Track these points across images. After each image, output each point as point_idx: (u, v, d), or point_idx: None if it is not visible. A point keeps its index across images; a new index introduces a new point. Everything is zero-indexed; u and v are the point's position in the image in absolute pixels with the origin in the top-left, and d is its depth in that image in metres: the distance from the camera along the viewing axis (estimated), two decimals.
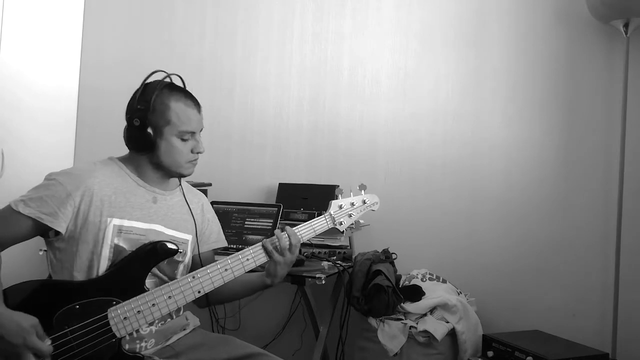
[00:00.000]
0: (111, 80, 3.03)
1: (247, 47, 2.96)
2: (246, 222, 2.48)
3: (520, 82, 2.60)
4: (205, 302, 1.72)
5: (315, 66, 2.87)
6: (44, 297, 1.45)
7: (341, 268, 2.29)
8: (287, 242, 1.58)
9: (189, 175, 1.63)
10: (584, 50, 2.53)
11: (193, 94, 1.63)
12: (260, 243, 1.60)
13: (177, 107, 1.56)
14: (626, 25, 2.33)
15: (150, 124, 1.53)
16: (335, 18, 2.85)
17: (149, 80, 1.57)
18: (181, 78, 1.64)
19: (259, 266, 1.61)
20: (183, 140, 1.57)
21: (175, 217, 1.64)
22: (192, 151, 1.60)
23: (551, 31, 2.57)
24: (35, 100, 2.79)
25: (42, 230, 1.51)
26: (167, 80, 1.59)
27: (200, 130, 1.62)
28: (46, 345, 1.37)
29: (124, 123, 1.59)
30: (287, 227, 1.61)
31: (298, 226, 1.64)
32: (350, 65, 2.83)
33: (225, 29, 2.99)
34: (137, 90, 1.57)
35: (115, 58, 3.08)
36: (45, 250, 1.61)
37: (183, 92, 1.60)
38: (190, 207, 1.68)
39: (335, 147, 2.82)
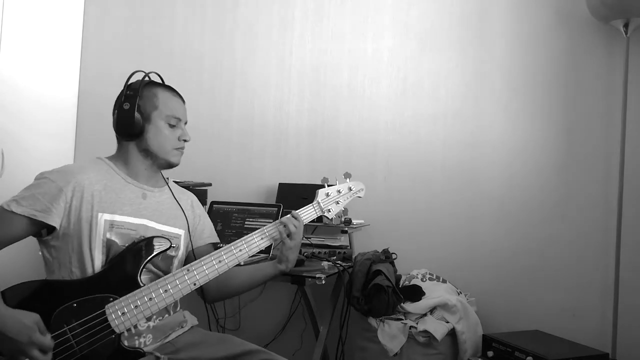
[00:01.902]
0: (110, 87, 2.98)
1: (247, 47, 2.96)
2: (246, 222, 2.48)
3: (520, 82, 2.60)
4: (217, 296, 1.77)
5: (315, 66, 2.87)
6: (41, 297, 1.46)
7: (341, 268, 2.29)
8: (293, 225, 1.67)
9: (176, 163, 1.68)
10: (584, 50, 2.53)
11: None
12: (251, 234, 1.65)
13: (164, 95, 1.65)
14: (626, 25, 2.33)
15: (139, 109, 1.60)
16: (335, 18, 2.86)
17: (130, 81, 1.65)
18: (160, 76, 1.71)
19: (252, 256, 1.67)
20: (170, 126, 1.64)
21: (165, 213, 1.67)
22: (178, 139, 1.66)
23: (551, 31, 2.57)
24: (35, 107, 2.80)
25: (37, 229, 1.53)
26: (147, 79, 1.67)
27: (185, 123, 1.69)
28: (48, 339, 1.39)
29: None
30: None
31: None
32: (350, 65, 2.83)
33: (225, 28, 3.00)
34: (122, 90, 1.65)
35: (114, 64, 3.08)
36: None
37: (167, 86, 1.69)
38: (180, 203, 1.72)
39: (335, 147, 2.82)
